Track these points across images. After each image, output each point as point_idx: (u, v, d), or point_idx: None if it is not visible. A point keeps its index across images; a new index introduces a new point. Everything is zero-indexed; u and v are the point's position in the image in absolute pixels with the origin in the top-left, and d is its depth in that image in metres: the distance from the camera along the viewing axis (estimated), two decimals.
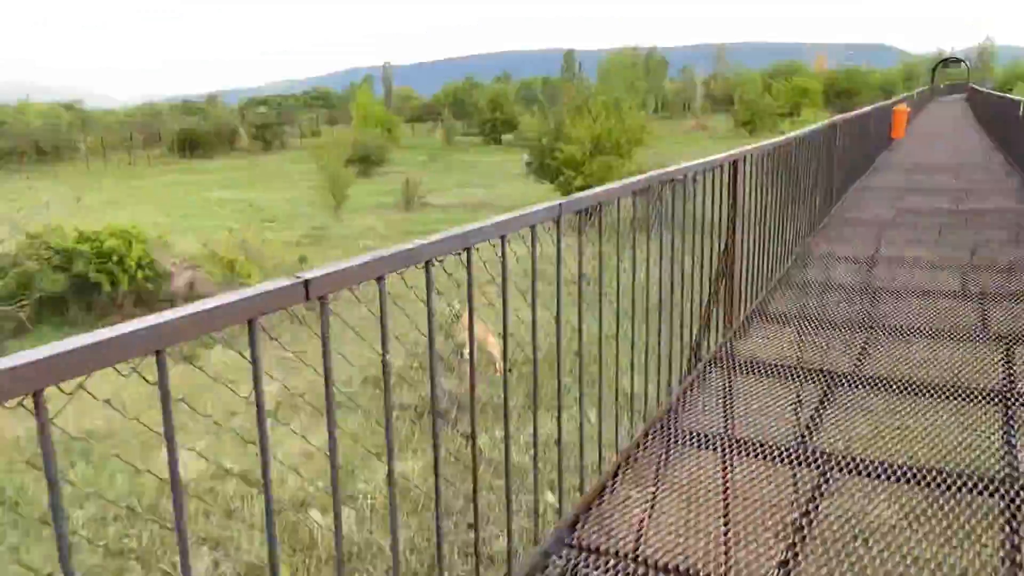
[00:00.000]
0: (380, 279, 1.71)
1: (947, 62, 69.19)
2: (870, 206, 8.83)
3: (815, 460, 2.82)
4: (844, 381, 3.65)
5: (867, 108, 13.14)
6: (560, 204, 2.40)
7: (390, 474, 1.80)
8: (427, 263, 1.86)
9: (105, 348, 1.08)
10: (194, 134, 56.48)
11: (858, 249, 6.51)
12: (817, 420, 3.23)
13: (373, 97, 67.56)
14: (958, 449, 2.96)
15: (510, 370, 2.57)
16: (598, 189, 2.87)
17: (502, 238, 2.11)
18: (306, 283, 1.47)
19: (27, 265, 14.14)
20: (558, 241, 2.44)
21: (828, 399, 3.47)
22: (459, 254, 2.02)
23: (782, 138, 5.63)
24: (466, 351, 14.00)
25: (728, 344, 4.24)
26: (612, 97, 23.11)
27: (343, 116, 72.47)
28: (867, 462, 2.80)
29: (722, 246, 4.38)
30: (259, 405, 1.38)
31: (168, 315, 1.19)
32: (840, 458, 2.82)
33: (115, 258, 14.28)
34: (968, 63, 69.47)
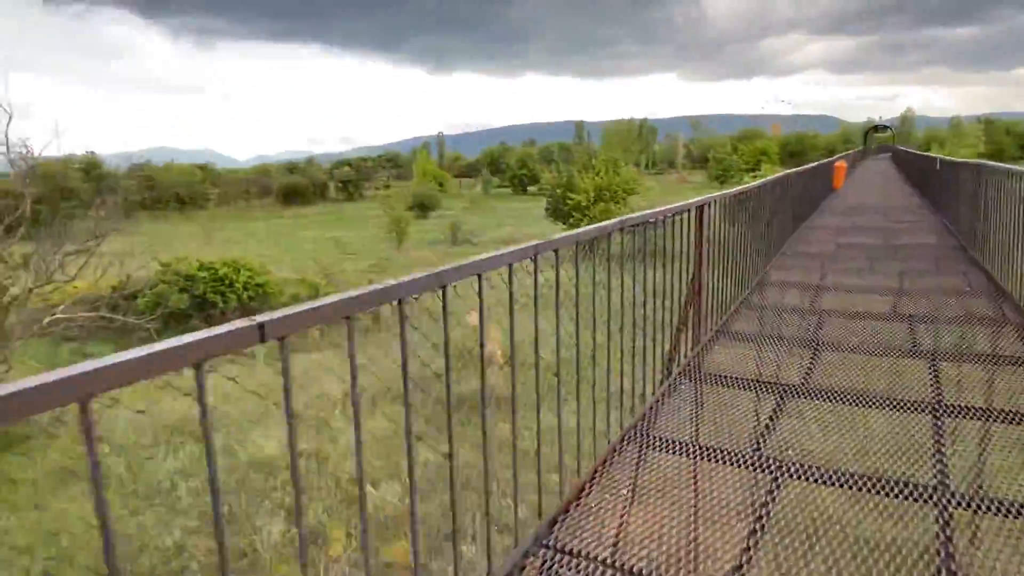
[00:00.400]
0: (349, 318, 1.43)
1: (877, 128, 67.82)
2: (816, 241, 8.38)
3: (769, 466, 2.49)
4: (795, 392, 3.30)
5: (813, 164, 12.68)
6: (536, 245, 2.13)
7: (361, 500, 1.52)
8: (400, 301, 1.60)
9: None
10: (295, 188, 57.30)
11: (806, 277, 6.10)
12: (771, 427, 2.89)
13: (429, 159, 68.00)
14: (895, 455, 2.61)
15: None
16: (570, 232, 2.60)
17: (479, 276, 1.80)
18: (261, 326, 1.20)
19: (160, 287, 14.19)
20: (535, 276, 2.17)
21: (781, 408, 3.13)
22: (436, 291, 1.77)
23: (742, 187, 5.31)
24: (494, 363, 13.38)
25: (696, 358, 3.91)
26: (611, 157, 22.79)
27: (407, 173, 73.09)
28: (815, 468, 2.47)
29: (690, 275, 4.07)
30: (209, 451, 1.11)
31: (108, 360, 0.96)
32: (791, 464, 2.49)
33: (227, 282, 14.29)
34: (893, 129, 68.00)
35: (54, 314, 9.17)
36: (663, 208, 3.38)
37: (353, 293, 1.40)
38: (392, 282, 1.53)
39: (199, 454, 8.11)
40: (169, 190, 50.83)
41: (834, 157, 20.85)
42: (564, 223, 22.72)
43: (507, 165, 65.61)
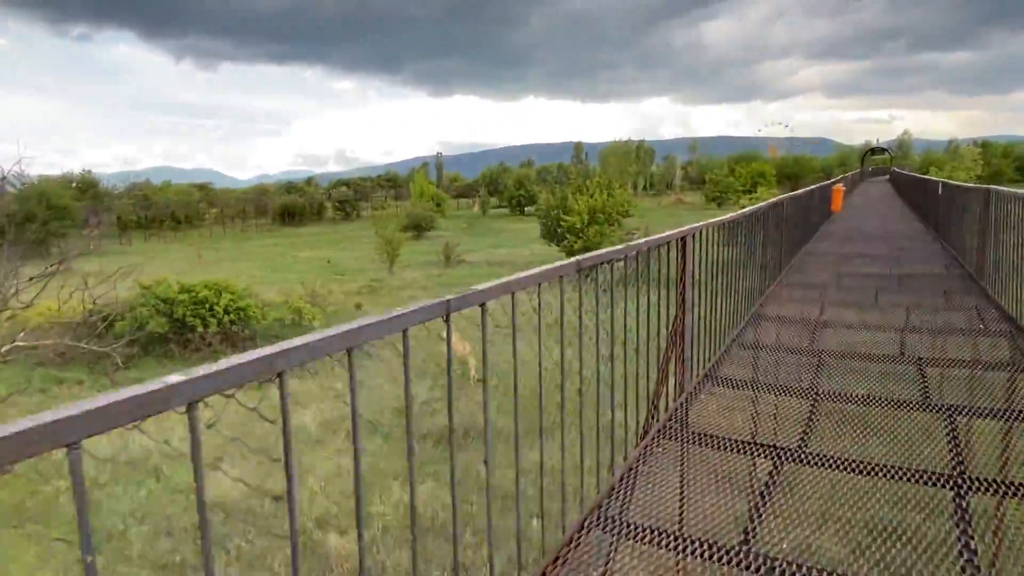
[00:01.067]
0: (350, 351, 1.34)
1: (874, 151, 67.94)
2: (815, 271, 7.94)
3: (760, 564, 2.02)
4: (792, 456, 2.84)
5: (811, 187, 12.31)
6: (510, 281, 1.96)
7: (359, 538, 1.38)
8: (405, 331, 1.51)
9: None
10: (292, 207, 57.11)
11: (805, 311, 5.64)
12: (765, 506, 2.43)
13: (427, 179, 67.96)
14: (911, 544, 2.16)
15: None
16: (546, 267, 2.21)
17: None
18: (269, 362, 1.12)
19: (139, 310, 13.75)
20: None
21: (776, 478, 2.67)
22: (443, 317, 1.67)
23: (733, 214, 4.88)
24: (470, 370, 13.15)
25: (680, 410, 3.47)
26: (605, 178, 22.50)
27: (406, 194, 72.90)
28: (810, 568, 2.00)
29: (672, 318, 3.64)
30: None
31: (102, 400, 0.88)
32: (784, 561, 2.03)
33: (207, 305, 13.85)
34: (891, 152, 68.13)
35: (14, 341, 8.69)
36: (636, 242, 2.97)
37: (356, 324, 1.32)
38: (397, 312, 1.44)
39: (157, 493, 7.60)
40: (165, 210, 50.57)
41: (832, 180, 20.55)
42: (558, 245, 22.38)
43: (505, 186, 65.51)
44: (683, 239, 3.51)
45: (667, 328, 3.46)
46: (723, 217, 4.50)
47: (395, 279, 23.18)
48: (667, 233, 3.35)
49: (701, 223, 3.90)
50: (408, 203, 56.83)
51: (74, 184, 50.51)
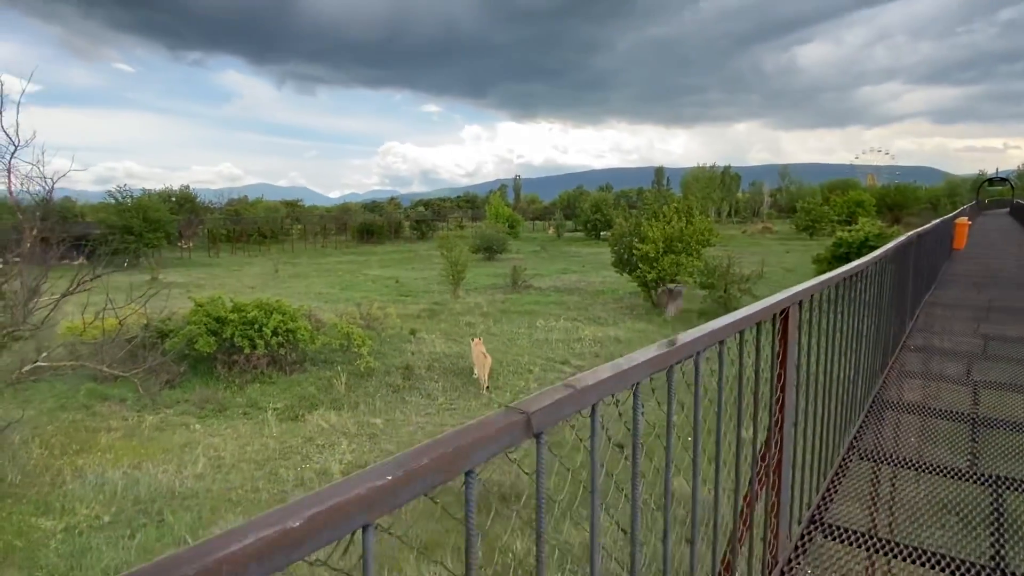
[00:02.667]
0: (594, 408, 1.17)
1: (992, 181, 61.76)
2: (948, 329, 6.17)
3: None
4: None
5: (936, 221, 10.33)
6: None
7: None
8: (635, 385, 1.32)
9: None
10: (371, 225, 58.21)
11: (947, 398, 4.05)
12: None
13: (503, 200, 67.71)
14: None
15: None
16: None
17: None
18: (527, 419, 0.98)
19: (189, 328, 13.45)
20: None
21: None
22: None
23: (854, 264, 3.40)
24: (474, 374, 12.73)
25: None
26: (684, 205, 20.80)
27: (483, 215, 73.12)
28: None
29: (768, 422, 2.31)
30: None
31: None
32: None
33: (256, 326, 13.37)
34: (1012, 182, 61.69)
35: (35, 362, 8.27)
36: (713, 325, 1.72)
37: (594, 378, 1.21)
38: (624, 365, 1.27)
39: (150, 544, 6.78)
40: (252, 224, 52.67)
41: (954, 213, 17.98)
42: (630, 274, 20.85)
43: (581, 209, 64.22)
44: (785, 312, 2.19)
45: (746, 445, 2.13)
46: (843, 269, 3.09)
47: (457, 303, 22.33)
48: (760, 305, 2.05)
49: (811, 283, 2.54)
50: (483, 224, 56.70)
51: (172, 199, 53.59)
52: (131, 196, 40.32)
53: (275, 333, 13.49)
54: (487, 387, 12.51)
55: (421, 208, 67.77)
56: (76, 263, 41.40)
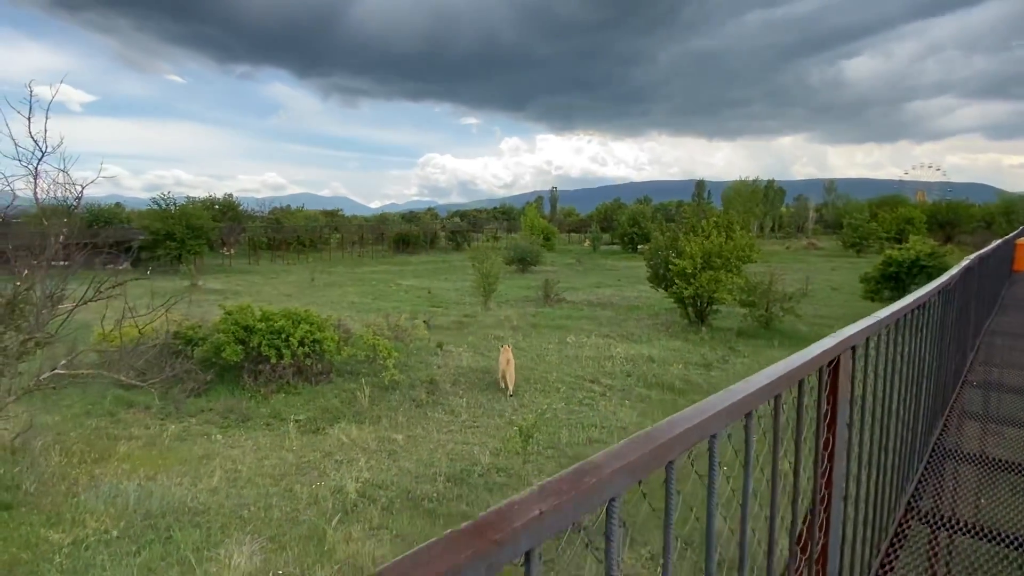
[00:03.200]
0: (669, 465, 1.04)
1: None
2: (1013, 362, 5.55)
3: None
4: None
5: (997, 241, 9.52)
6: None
7: None
8: (712, 437, 1.18)
9: None
10: (406, 235, 58.66)
11: (1016, 442, 3.51)
12: None
13: (538, 212, 67.40)
14: None
15: None
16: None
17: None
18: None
19: (217, 337, 13.46)
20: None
21: None
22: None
23: (912, 298, 2.84)
24: (502, 383, 13.00)
25: None
26: (724, 219, 20.11)
27: (518, 226, 73.04)
28: None
29: (812, 499, 1.88)
30: None
31: None
32: None
33: (283, 336, 13.29)
34: None
35: (53, 369, 8.24)
36: (741, 390, 1.32)
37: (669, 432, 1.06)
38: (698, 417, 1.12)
39: (159, 559, 6.57)
40: (292, 233, 53.62)
41: (1014, 232, 16.86)
42: (666, 290, 20.22)
43: (618, 222, 63.51)
44: (834, 362, 1.77)
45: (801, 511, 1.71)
46: (905, 302, 2.61)
47: (488, 315, 22.04)
48: (801, 357, 1.65)
49: (866, 322, 2.13)
50: (517, 235, 56.52)
51: (216, 206, 54.96)
52: (174, 203, 41.43)
53: (302, 343, 13.38)
54: (511, 392, 12.93)
55: (456, 219, 68.04)
56: (121, 267, 42.56)
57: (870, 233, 50.63)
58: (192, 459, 9.58)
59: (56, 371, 8.06)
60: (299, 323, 13.70)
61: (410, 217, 78.60)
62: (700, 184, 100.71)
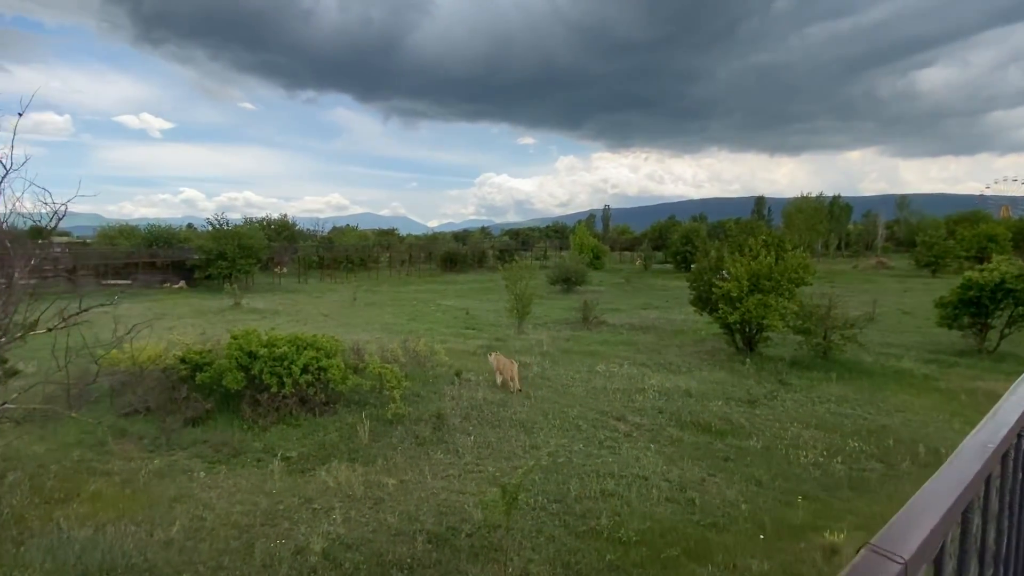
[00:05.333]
0: None
1: None
2: None
3: None
4: None
5: None
6: None
7: None
8: None
9: None
10: (454, 255, 58.32)
11: None
12: None
13: (589, 231, 65.84)
14: None
15: None
16: None
17: None
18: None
19: (220, 363, 12.79)
20: None
21: None
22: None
23: None
24: (499, 378, 14.51)
25: None
26: (774, 236, 18.26)
27: (569, 245, 71.73)
28: None
29: None
30: None
31: None
32: None
33: (285, 363, 12.48)
34: None
35: (4, 404, 7.54)
36: None
37: None
38: None
39: None
40: (342, 252, 54.12)
41: None
42: (710, 314, 18.49)
43: (671, 240, 61.25)
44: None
45: None
46: None
47: (519, 339, 20.81)
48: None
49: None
50: (566, 254, 55.21)
51: (272, 226, 56.18)
52: (227, 223, 42.30)
53: (305, 370, 12.54)
54: (519, 388, 14.06)
55: (505, 238, 67.34)
56: (176, 286, 43.54)
57: (947, 251, 46.60)
58: (162, 501, 8.75)
59: (6, 404, 7.35)
60: (304, 349, 12.88)
61: (461, 236, 78.59)
62: (759, 201, 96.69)
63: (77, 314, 8.16)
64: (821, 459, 10.28)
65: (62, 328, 7.86)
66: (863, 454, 10.51)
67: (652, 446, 10.87)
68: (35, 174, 8.45)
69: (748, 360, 16.88)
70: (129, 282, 42.55)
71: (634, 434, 11.57)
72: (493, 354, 15.14)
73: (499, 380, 14.46)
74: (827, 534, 7.65)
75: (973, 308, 18.06)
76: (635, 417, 12.41)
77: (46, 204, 8.42)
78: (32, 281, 8.48)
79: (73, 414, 7.83)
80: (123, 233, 45.44)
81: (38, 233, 9.15)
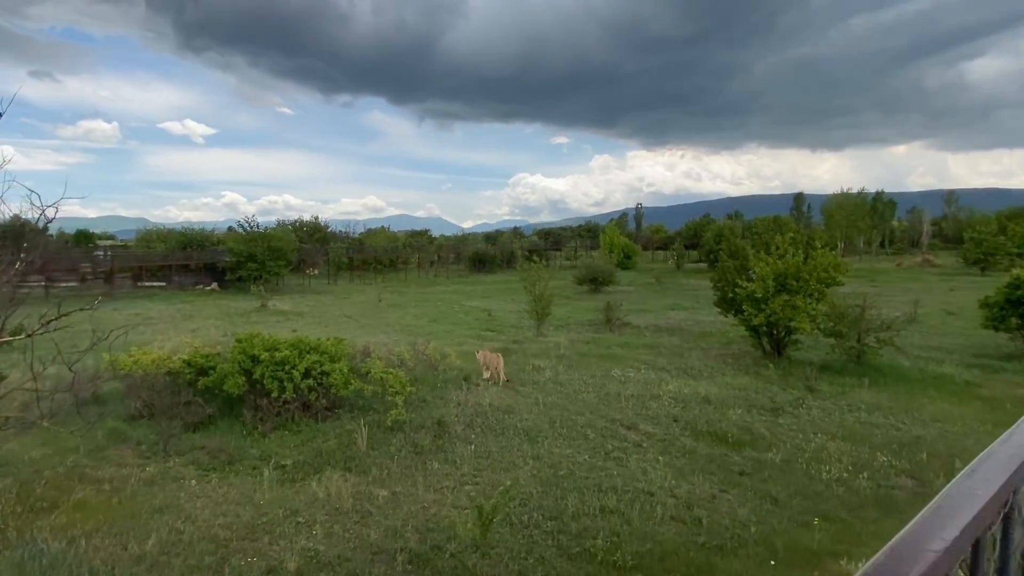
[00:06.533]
0: None
1: None
2: None
3: None
4: None
5: None
6: None
7: None
8: None
9: None
10: (483, 255, 58.02)
11: None
12: None
13: (620, 230, 64.75)
14: None
15: None
16: None
17: None
18: None
19: (222, 367, 12.60)
20: None
21: None
22: None
23: None
24: (486, 374, 14.85)
25: None
26: (802, 235, 17.28)
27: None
28: None
29: None
30: None
31: None
32: None
33: (286, 367, 12.21)
34: None
35: None
36: None
37: None
38: None
39: None
40: (372, 253, 54.36)
41: None
42: (735, 316, 17.59)
43: (705, 239, 59.70)
44: None
45: None
46: None
47: (536, 342, 20.24)
48: None
49: None
50: (596, 253, 54.33)
51: (304, 229, 56.81)
52: (257, 226, 42.82)
53: (307, 375, 12.25)
54: (506, 380, 14.67)
55: (534, 238, 66.75)
56: (209, 288, 44.18)
57: (997, 248, 44.08)
58: (145, 512, 8.50)
59: None
60: (306, 353, 12.59)
61: (493, 236, 78.30)
62: (798, 197, 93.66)
63: (56, 319, 7.94)
64: (846, 474, 9.44)
65: (40, 333, 7.65)
66: (893, 469, 9.63)
67: (661, 458, 10.19)
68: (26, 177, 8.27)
69: (771, 365, 15.94)
70: (164, 284, 43.56)
71: (644, 444, 10.90)
72: (481, 352, 15.56)
73: (487, 375, 14.74)
74: (844, 561, 6.90)
75: (1022, 308, 16.72)
76: (647, 426, 11.73)
77: (34, 206, 8.24)
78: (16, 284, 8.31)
79: (46, 423, 7.63)
80: (159, 236, 46.50)
81: (19, 235, 9.00)
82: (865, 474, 9.42)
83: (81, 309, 8.23)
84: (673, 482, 9.28)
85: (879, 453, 10.18)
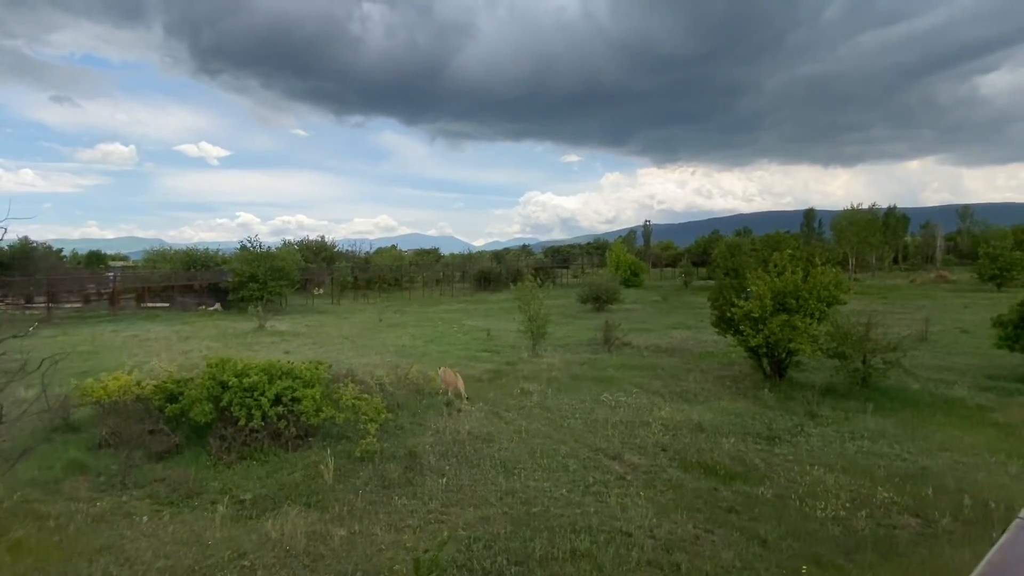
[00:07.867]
0: None
1: None
2: None
3: None
4: None
5: None
6: None
7: None
8: None
9: None
10: (488, 273, 57.57)
11: None
12: None
13: (626, 247, 64.12)
14: None
15: None
16: None
17: None
18: None
19: (191, 392, 12.08)
20: None
21: None
22: None
23: None
24: (448, 391, 14.58)
25: None
26: (801, 252, 16.54)
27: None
28: None
29: None
30: None
31: None
32: None
33: (255, 393, 11.66)
34: None
35: None
36: None
37: None
38: None
39: None
40: (376, 272, 54.13)
41: None
42: (733, 336, 16.84)
43: (713, 256, 58.86)
44: None
45: None
46: None
47: (530, 363, 19.56)
48: None
49: None
50: (601, 271, 53.65)
51: (309, 249, 56.73)
52: (260, 246, 42.70)
53: (278, 401, 11.69)
54: (467, 397, 14.50)
55: (542, 256, 66.22)
56: (212, 309, 43.92)
57: (1013, 264, 42.81)
58: (85, 553, 7.91)
59: None
60: (277, 378, 12.04)
61: (500, 254, 77.93)
62: (809, 213, 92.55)
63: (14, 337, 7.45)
64: (843, 512, 8.65)
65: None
66: (895, 506, 8.82)
67: (643, 492, 9.44)
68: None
69: (767, 388, 15.09)
70: (167, 305, 43.46)
71: (628, 477, 10.16)
72: (442, 368, 15.41)
73: (449, 392, 14.57)
74: None
75: None
76: (633, 456, 10.99)
77: None
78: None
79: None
80: (164, 256, 46.56)
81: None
82: (864, 512, 8.62)
83: (14, 336, 7.74)
84: (654, 520, 8.54)
85: (880, 487, 9.37)
